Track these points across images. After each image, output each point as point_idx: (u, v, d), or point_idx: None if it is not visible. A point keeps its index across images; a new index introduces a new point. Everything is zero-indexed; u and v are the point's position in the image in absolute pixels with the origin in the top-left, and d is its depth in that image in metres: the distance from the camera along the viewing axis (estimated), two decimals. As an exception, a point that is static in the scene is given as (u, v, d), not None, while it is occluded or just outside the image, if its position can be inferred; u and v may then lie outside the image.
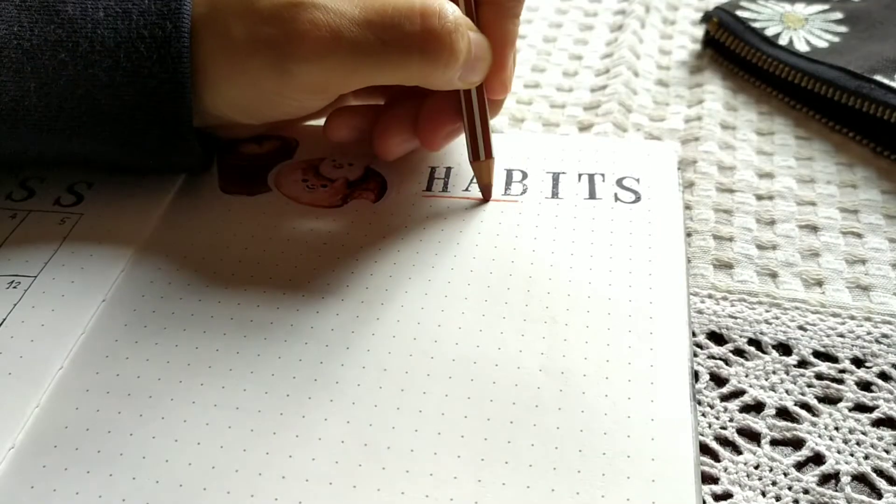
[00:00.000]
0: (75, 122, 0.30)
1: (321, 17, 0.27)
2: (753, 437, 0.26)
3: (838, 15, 0.43)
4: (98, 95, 0.29)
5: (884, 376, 0.28)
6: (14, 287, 0.29)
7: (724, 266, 0.32)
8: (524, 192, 0.33)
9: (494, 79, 0.31)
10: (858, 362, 0.29)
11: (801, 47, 0.41)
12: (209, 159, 0.34)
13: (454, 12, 0.28)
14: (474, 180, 0.34)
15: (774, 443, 0.26)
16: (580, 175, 0.34)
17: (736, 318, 0.30)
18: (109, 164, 0.33)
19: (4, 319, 0.28)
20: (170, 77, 0.29)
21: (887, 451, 0.26)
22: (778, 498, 0.25)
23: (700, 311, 0.30)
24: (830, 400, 0.28)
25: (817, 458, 0.26)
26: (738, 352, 0.29)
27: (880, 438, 0.26)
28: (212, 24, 0.29)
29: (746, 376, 0.28)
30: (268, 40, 0.27)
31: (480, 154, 0.32)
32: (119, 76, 0.29)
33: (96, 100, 0.29)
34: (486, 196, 0.33)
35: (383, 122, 0.33)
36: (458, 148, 0.35)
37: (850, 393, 0.28)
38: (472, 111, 0.31)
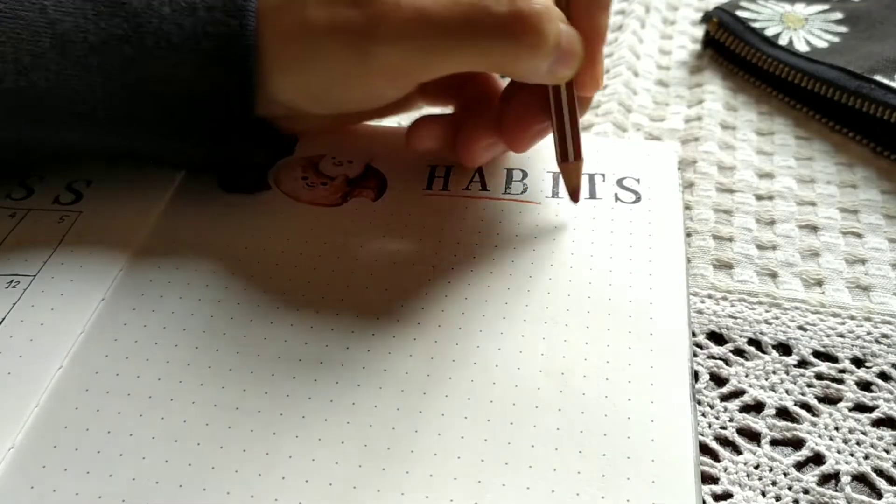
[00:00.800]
0: (141, 119, 0.29)
1: None
2: (753, 437, 0.27)
3: (838, 15, 0.43)
4: (163, 91, 0.29)
5: (884, 376, 0.28)
6: (13, 286, 0.29)
7: (724, 266, 0.32)
8: (524, 191, 0.33)
9: (586, 73, 0.29)
10: (858, 362, 0.29)
11: (801, 47, 0.41)
12: (279, 155, 0.34)
13: None
14: (475, 178, 0.34)
15: (774, 443, 0.26)
16: (580, 175, 0.34)
17: (736, 318, 0.30)
18: (171, 160, 0.33)
19: (3, 319, 0.28)
20: (235, 75, 0.28)
21: (887, 451, 0.26)
22: (778, 498, 0.25)
23: (700, 312, 0.30)
24: (830, 400, 0.28)
25: (817, 458, 0.26)
26: (738, 352, 0.29)
27: (880, 438, 0.26)
28: (286, 8, 0.28)
29: (746, 376, 0.28)
30: (348, 22, 0.27)
31: (570, 155, 0.31)
32: (184, 72, 0.29)
33: (161, 95, 0.29)
34: (575, 199, 0.32)
35: (467, 127, 0.32)
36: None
37: (850, 393, 0.28)
38: (560, 109, 0.30)
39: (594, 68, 0.30)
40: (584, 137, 0.39)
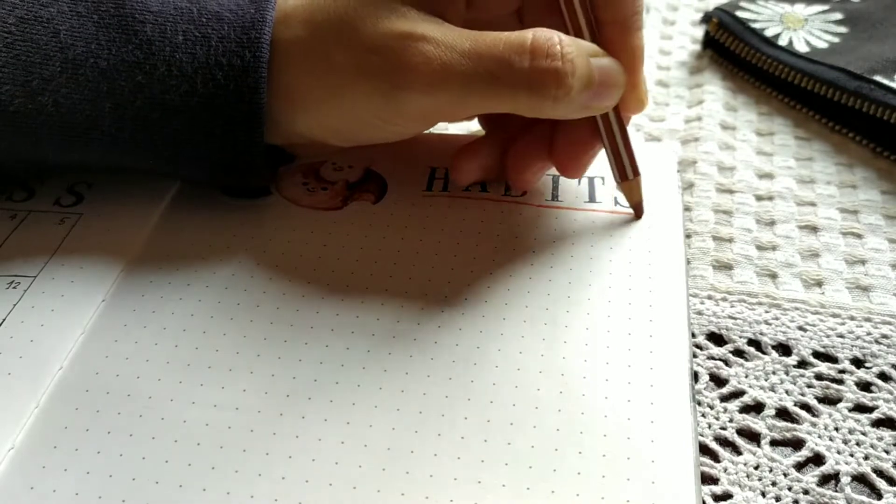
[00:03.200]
0: (148, 143, 0.29)
1: (432, 51, 0.27)
2: (753, 437, 0.27)
3: (838, 15, 0.43)
4: (173, 119, 0.29)
5: (883, 377, 0.28)
6: (14, 287, 0.29)
7: (724, 267, 0.32)
8: (524, 192, 0.33)
9: (630, 97, 0.30)
10: (858, 363, 0.29)
11: (801, 48, 0.41)
12: (272, 179, 0.34)
13: (565, 46, 0.27)
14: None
15: (774, 443, 0.26)
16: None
17: (735, 318, 0.30)
18: (175, 177, 0.33)
19: (4, 319, 0.28)
20: (246, 107, 0.28)
21: (887, 452, 0.26)
22: (778, 498, 0.25)
23: (700, 312, 0.30)
24: (830, 400, 0.28)
25: (817, 459, 0.26)
26: (738, 352, 0.29)
27: (880, 439, 0.26)
28: (311, 50, 0.28)
29: (746, 377, 0.28)
30: (375, 70, 0.27)
31: (628, 174, 0.31)
32: (195, 102, 0.28)
33: (170, 124, 0.29)
34: (639, 214, 0.32)
35: (517, 155, 0.32)
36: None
37: (850, 393, 0.28)
38: (612, 133, 0.30)
39: (637, 90, 0.30)
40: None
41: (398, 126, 0.30)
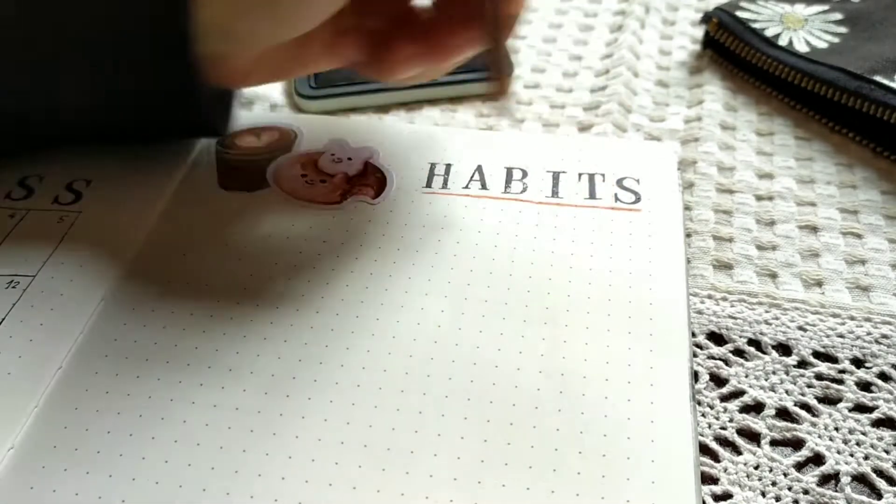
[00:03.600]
0: (69, 57, 0.28)
1: None
2: (753, 437, 0.26)
3: (838, 16, 0.43)
4: (90, 24, 0.27)
5: (883, 377, 0.28)
6: (13, 286, 0.29)
7: (724, 266, 0.32)
8: (524, 190, 0.33)
9: None
10: (858, 363, 0.29)
11: (801, 48, 0.41)
12: (222, 120, 0.32)
13: None
14: (474, 178, 0.34)
15: (774, 443, 0.26)
16: (580, 175, 0.34)
17: (736, 318, 0.30)
18: (110, 126, 0.31)
19: (3, 319, 0.28)
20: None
21: (887, 452, 0.26)
22: (778, 498, 0.25)
23: (700, 312, 0.30)
24: (830, 400, 0.28)
25: (817, 459, 0.26)
26: (738, 352, 0.29)
27: (880, 439, 0.26)
28: None
29: (746, 377, 0.28)
30: None
31: (505, 69, 0.30)
32: (114, 5, 0.27)
33: (88, 27, 0.27)
34: (502, 92, 0.31)
35: (392, 37, 0.30)
36: (456, 145, 0.35)
37: (850, 393, 0.28)
38: (491, 24, 0.29)
39: None
40: (584, 137, 0.39)
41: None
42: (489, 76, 0.31)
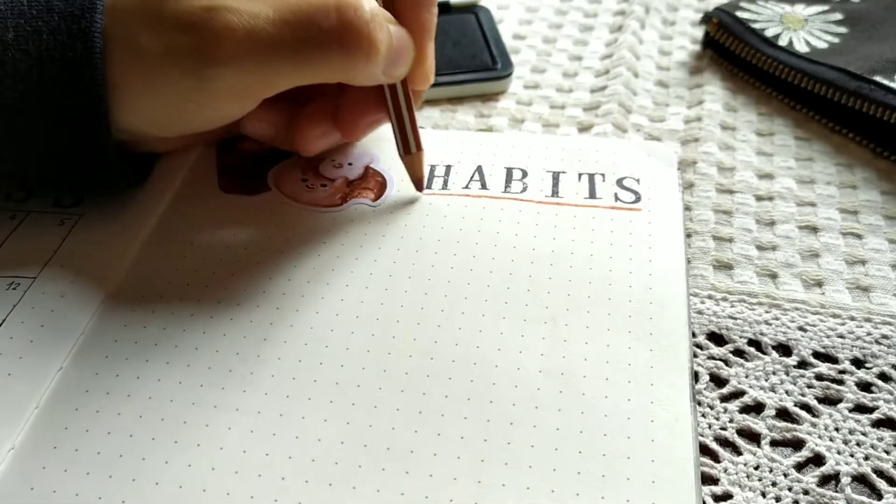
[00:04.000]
0: None
1: (235, 20, 0.26)
2: (753, 437, 0.26)
3: (838, 16, 0.43)
4: (14, 121, 0.28)
5: (884, 377, 0.28)
6: (14, 288, 0.29)
7: (724, 267, 0.32)
8: (524, 190, 0.33)
9: (417, 70, 0.30)
10: (858, 363, 0.29)
11: (801, 48, 0.41)
12: (143, 175, 0.33)
13: (370, 4, 0.27)
14: (474, 178, 0.34)
15: (774, 443, 0.26)
16: (580, 175, 0.34)
17: (736, 318, 0.30)
18: (46, 183, 0.32)
19: (4, 320, 0.28)
20: (84, 100, 0.27)
21: (887, 452, 0.26)
22: (778, 499, 0.25)
23: (700, 312, 0.30)
24: (830, 401, 0.28)
25: (817, 459, 0.26)
26: (738, 352, 0.29)
27: (880, 439, 0.26)
28: (117, 36, 0.27)
29: (746, 377, 0.28)
30: (182, 48, 0.26)
31: (411, 147, 0.32)
32: (33, 101, 0.28)
33: (14, 125, 0.28)
34: (419, 188, 0.33)
35: (303, 117, 0.32)
36: (456, 146, 0.35)
37: (850, 394, 0.28)
38: (398, 105, 0.31)
39: (424, 64, 0.30)
40: (584, 137, 0.39)
41: (213, 109, 0.29)
42: (400, 153, 0.32)
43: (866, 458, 0.26)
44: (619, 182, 0.34)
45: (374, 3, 0.28)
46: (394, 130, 0.32)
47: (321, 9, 0.27)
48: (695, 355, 0.29)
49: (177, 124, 0.30)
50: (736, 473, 0.25)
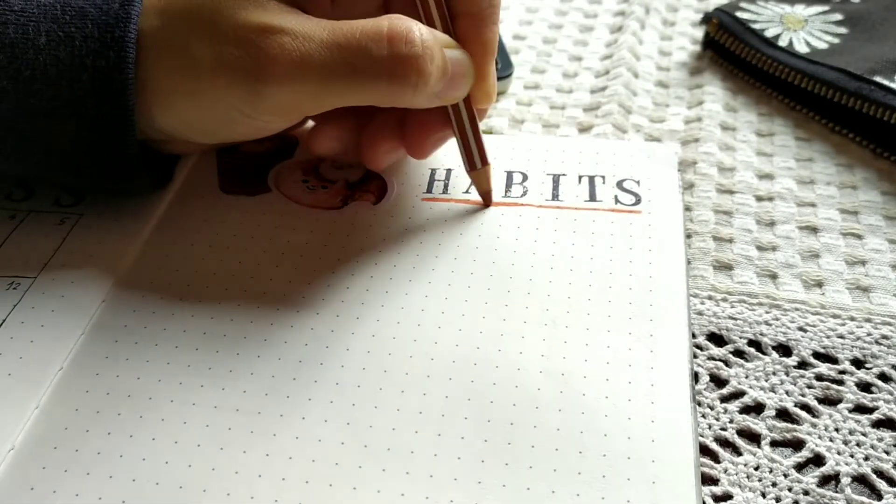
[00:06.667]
0: (20, 150, 0.29)
1: (289, 42, 0.26)
2: (753, 438, 0.26)
3: (838, 16, 0.43)
4: (41, 125, 0.28)
5: (884, 377, 0.28)
6: (14, 288, 0.29)
7: (724, 267, 0.32)
8: (524, 193, 0.33)
9: (478, 89, 0.30)
10: (858, 363, 0.29)
11: (801, 48, 0.41)
12: (164, 180, 0.33)
13: (423, 34, 0.27)
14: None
15: (774, 444, 0.26)
16: (580, 177, 0.34)
17: (736, 319, 0.30)
18: (61, 186, 0.32)
19: (4, 320, 0.28)
20: (113, 111, 0.28)
21: (887, 453, 0.26)
22: (778, 499, 0.25)
23: (700, 313, 0.30)
24: (830, 401, 0.28)
25: (817, 460, 0.26)
26: (738, 353, 0.29)
27: (880, 439, 0.26)
28: (168, 41, 0.28)
29: (746, 377, 0.28)
30: (234, 62, 0.26)
31: (476, 163, 0.32)
32: (61, 107, 0.28)
33: (39, 129, 0.28)
34: (487, 202, 0.33)
35: (370, 133, 0.32)
36: (457, 150, 0.35)
37: (851, 394, 0.28)
38: (462, 123, 0.31)
39: (485, 84, 0.30)
40: (584, 138, 0.39)
41: (259, 121, 0.29)
42: (466, 169, 0.32)
43: (866, 459, 0.26)
44: (620, 184, 0.34)
45: (426, 31, 0.28)
46: (459, 147, 0.32)
47: (374, 37, 0.27)
48: (695, 356, 0.29)
49: (219, 132, 0.30)
50: (736, 474, 0.25)
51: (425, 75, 0.27)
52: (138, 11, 0.28)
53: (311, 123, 0.34)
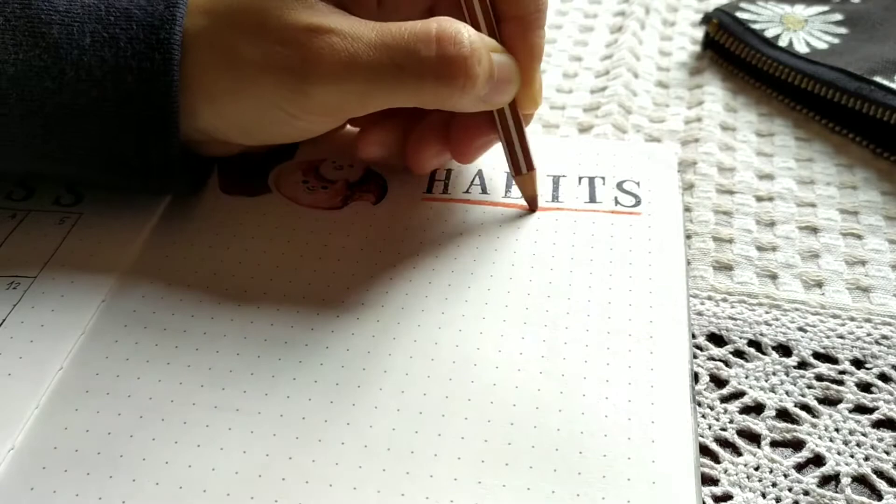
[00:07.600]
0: (62, 150, 0.29)
1: (339, 42, 0.26)
2: (753, 438, 0.26)
3: (838, 16, 0.43)
4: (85, 125, 0.28)
5: (884, 377, 0.28)
6: (14, 287, 0.29)
7: (724, 267, 0.32)
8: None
9: (524, 94, 0.30)
10: (858, 363, 0.29)
11: (801, 49, 0.41)
12: (200, 183, 0.33)
13: (471, 36, 0.27)
14: (474, 182, 0.34)
15: (774, 444, 0.26)
16: (580, 178, 0.34)
17: (736, 319, 0.30)
18: (100, 185, 0.32)
19: (4, 320, 0.28)
20: (157, 113, 0.28)
21: (887, 453, 0.26)
22: (778, 499, 0.25)
23: (700, 313, 0.30)
24: (830, 401, 0.28)
25: (817, 460, 0.26)
26: (738, 353, 0.29)
27: (880, 440, 0.26)
28: (214, 41, 0.28)
29: (746, 378, 0.28)
30: (282, 61, 0.27)
31: (522, 168, 0.31)
32: (106, 107, 0.28)
33: (83, 129, 0.28)
34: (533, 207, 0.33)
35: (416, 137, 0.32)
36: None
37: (851, 394, 0.28)
38: (507, 127, 0.31)
39: (531, 89, 0.30)
40: (584, 139, 0.39)
41: (305, 122, 0.29)
42: (512, 174, 0.32)
43: (866, 459, 0.26)
44: (620, 185, 0.34)
45: (475, 34, 0.27)
46: (504, 152, 0.31)
47: (422, 38, 0.27)
48: (695, 356, 0.29)
49: (262, 133, 0.30)
50: (736, 474, 0.25)
51: (473, 77, 0.27)
52: (183, 13, 0.28)
53: (349, 128, 0.34)
